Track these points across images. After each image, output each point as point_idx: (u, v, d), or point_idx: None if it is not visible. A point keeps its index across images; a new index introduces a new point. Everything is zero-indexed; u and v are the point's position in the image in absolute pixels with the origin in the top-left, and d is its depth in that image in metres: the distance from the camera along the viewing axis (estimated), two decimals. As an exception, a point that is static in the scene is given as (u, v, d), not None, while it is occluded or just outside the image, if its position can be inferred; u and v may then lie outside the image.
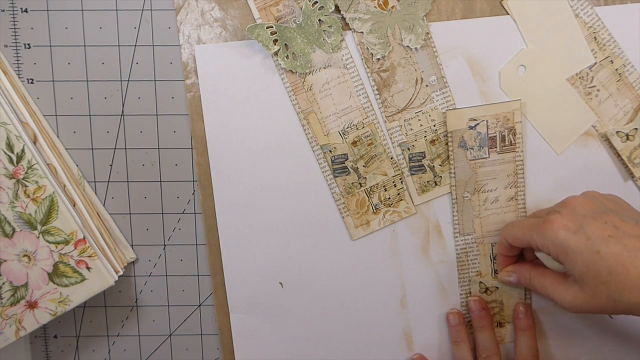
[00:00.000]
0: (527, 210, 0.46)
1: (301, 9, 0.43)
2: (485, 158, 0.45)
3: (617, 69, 0.45)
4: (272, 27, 0.43)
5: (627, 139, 0.45)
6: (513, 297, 0.47)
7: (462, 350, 0.46)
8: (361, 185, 0.46)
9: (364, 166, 0.46)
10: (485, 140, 0.45)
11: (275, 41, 0.43)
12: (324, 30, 0.44)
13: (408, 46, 0.44)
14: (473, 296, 0.47)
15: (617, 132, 0.45)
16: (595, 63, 0.45)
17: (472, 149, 0.45)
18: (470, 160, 0.45)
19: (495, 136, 0.45)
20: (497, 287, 0.47)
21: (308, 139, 0.45)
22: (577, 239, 0.37)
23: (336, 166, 0.46)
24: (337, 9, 0.43)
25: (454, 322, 0.47)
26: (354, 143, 0.45)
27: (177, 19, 0.44)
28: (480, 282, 0.47)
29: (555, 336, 0.47)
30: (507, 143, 0.45)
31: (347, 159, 0.46)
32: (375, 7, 0.43)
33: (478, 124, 0.44)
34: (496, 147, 0.45)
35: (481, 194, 0.46)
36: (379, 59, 0.44)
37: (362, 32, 0.44)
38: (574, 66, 0.45)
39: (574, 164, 0.46)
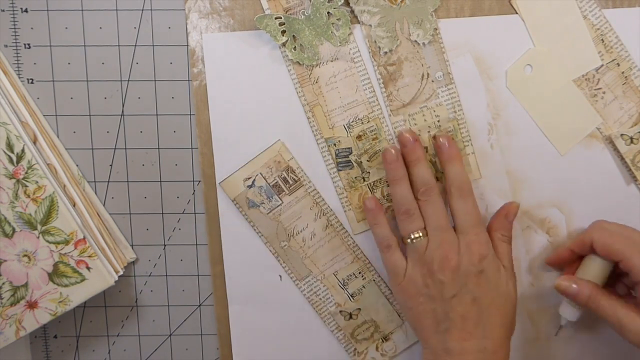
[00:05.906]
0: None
1: (310, 0, 0.43)
2: (280, 205, 0.45)
3: (623, 72, 0.45)
4: (281, 18, 0.43)
5: (632, 142, 0.45)
6: (380, 311, 0.47)
7: (403, 189, 0.43)
8: (364, 180, 0.46)
9: (367, 160, 0.45)
10: (269, 190, 0.45)
11: (283, 32, 0.43)
12: (333, 23, 0.44)
13: (416, 41, 0.44)
14: (404, 129, 0.44)
15: (622, 135, 0.45)
16: (602, 65, 0.45)
17: (263, 203, 0.45)
18: (267, 214, 0.45)
19: (276, 182, 0.45)
20: (360, 309, 0.47)
21: (313, 131, 0.45)
22: None
23: (340, 160, 0.46)
24: (346, 2, 0.43)
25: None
26: (359, 137, 0.45)
27: (185, 7, 0.44)
28: (342, 311, 0.47)
29: (554, 337, 0.47)
30: (291, 182, 0.45)
31: (351, 152, 0.45)
32: (384, 0, 0.43)
33: (254, 180, 0.45)
34: (284, 190, 0.45)
35: (296, 236, 0.46)
36: (386, 53, 0.44)
37: (370, 25, 0.44)
38: (580, 67, 0.45)
39: (577, 165, 0.46)
